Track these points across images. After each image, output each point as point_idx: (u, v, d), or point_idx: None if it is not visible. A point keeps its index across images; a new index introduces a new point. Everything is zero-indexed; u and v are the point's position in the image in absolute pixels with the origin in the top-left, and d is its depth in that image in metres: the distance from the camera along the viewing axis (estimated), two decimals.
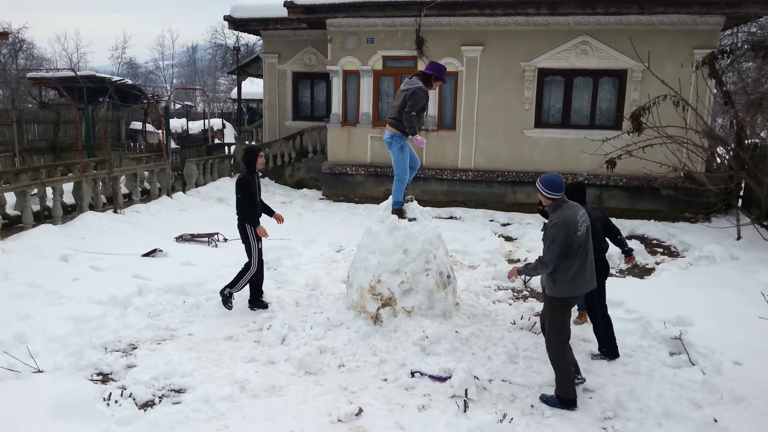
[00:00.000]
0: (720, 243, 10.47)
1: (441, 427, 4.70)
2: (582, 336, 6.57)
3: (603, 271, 6.07)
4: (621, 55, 13.37)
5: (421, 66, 14.22)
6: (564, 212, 4.91)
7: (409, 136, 6.81)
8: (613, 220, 12.59)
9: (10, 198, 10.87)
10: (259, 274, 7.26)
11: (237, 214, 7.11)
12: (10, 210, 10.84)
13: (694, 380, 5.57)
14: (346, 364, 5.79)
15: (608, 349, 6.08)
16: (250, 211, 7.01)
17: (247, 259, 7.15)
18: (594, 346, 6.26)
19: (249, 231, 7.09)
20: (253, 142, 20.30)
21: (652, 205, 13.66)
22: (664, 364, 5.98)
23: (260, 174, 7.26)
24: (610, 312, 7.19)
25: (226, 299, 7.05)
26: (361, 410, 4.92)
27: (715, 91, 12.86)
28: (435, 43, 14.35)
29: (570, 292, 4.98)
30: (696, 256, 9.99)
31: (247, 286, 7.23)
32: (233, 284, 7.10)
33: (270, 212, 7.45)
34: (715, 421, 4.84)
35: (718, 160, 12.96)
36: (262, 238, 7.20)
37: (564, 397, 5.03)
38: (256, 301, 7.25)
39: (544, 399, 5.13)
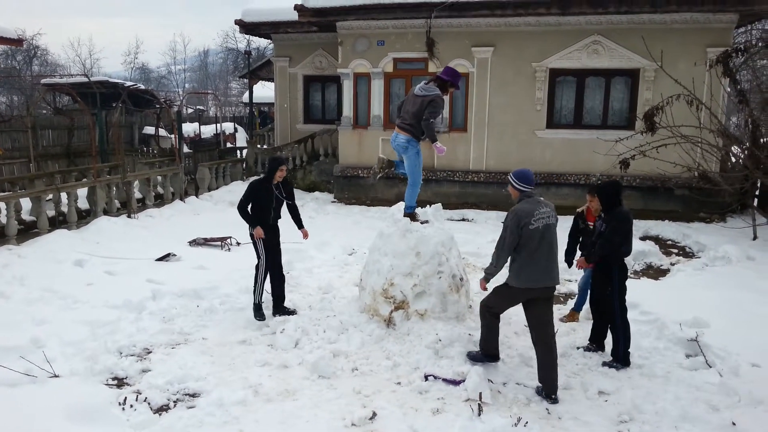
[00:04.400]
0: (736, 243, 10.36)
1: (455, 431, 4.67)
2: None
3: (622, 272, 6.01)
4: (633, 55, 13.29)
5: (432, 67, 14.25)
6: (522, 205, 5.18)
7: (431, 143, 6.58)
8: None
9: (26, 203, 10.97)
10: (276, 278, 7.17)
11: None
12: (25, 215, 10.95)
13: (711, 382, 5.51)
14: (359, 368, 5.79)
15: (624, 356, 5.93)
16: (245, 211, 6.93)
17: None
18: (608, 348, 6.22)
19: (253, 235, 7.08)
20: (265, 146, 20.36)
21: (667, 206, 13.54)
22: (681, 366, 5.92)
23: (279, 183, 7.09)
24: None
25: (256, 310, 7.02)
26: (374, 414, 4.91)
27: (729, 89, 12.73)
28: (446, 45, 14.34)
29: (516, 283, 5.23)
30: (711, 256, 9.89)
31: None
32: (254, 292, 7.08)
33: (299, 224, 7.37)
34: (734, 424, 4.78)
35: (733, 160, 12.83)
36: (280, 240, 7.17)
37: (486, 353, 5.65)
38: (278, 308, 7.16)
39: (470, 355, 5.70)
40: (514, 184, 5.30)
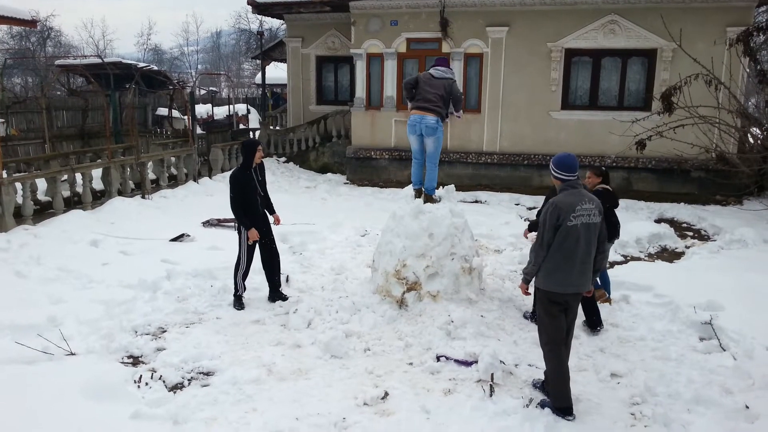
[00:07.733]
0: (752, 226, 10.25)
1: (467, 412, 4.69)
2: (610, 320, 6.51)
3: None
4: (651, 34, 13.07)
5: (446, 47, 14.16)
6: (562, 197, 4.54)
7: (456, 112, 7.21)
8: (642, 203, 12.51)
9: (41, 184, 11.07)
10: (269, 266, 7.04)
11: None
12: (41, 196, 11.04)
13: (725, 366, 5.47)
14: (371, 348, 5.81)
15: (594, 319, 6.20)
16: (240, 210, 6.71)
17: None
18: (622, 331, 6.23)
19: (240, 228, 6.88)
20: (277, 127, 20.34)
21: (683, 188, 13.39)
22: (694, 349, 5.88)
23: (258, 167, 6.85)
24: (638, 296, 7.16)
25: (236, 301, 6.91)
26: (386, 394, 4.94)
27: (748, 69, 12.51)
28: (459, 25, 14.18)
29: (548, 286, 4.58)
30: (727, 239, 9.80)
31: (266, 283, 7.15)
32: (234, 285, 6.95)
33: (271, 210, 7.15)
34: (747, 407, 4.75)
35: (752, 141, 12.65)
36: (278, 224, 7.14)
37: (556, 406, 4.64)
38: (274, 294, 7.08)
39: (542, 404, 4.75)
40: (554, 172, 4.66)
